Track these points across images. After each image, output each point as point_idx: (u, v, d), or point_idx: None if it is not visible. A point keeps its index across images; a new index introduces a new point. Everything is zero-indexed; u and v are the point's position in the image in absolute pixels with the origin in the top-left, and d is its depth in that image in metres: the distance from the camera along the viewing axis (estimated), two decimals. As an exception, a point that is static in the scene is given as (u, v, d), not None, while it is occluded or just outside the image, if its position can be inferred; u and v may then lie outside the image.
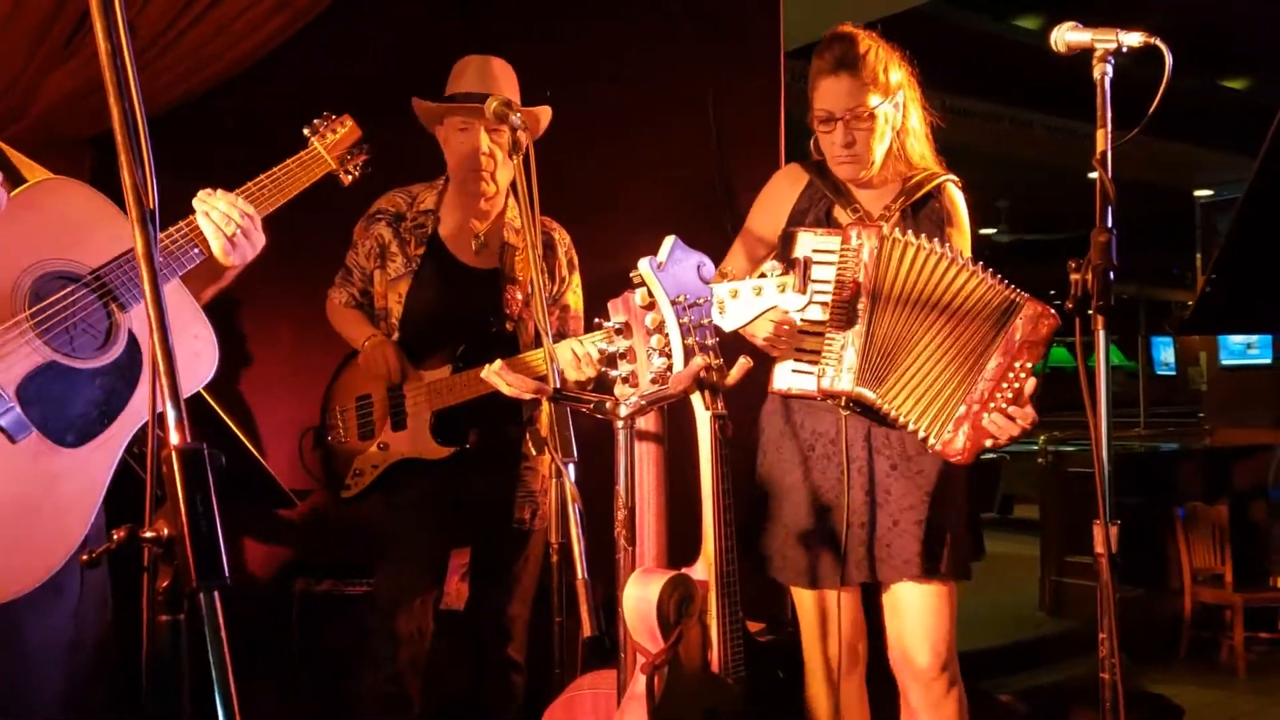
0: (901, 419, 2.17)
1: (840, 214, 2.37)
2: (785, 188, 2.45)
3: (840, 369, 2.17)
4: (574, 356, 2.45)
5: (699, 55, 3.62)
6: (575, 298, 2.75)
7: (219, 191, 1.86)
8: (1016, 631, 5.41)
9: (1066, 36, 1.82)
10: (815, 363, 2.21)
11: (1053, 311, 2.17)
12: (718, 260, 3.68)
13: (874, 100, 2.25)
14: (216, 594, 0.87)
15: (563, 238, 2.77)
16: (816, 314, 2.22)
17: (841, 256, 2.21)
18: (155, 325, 0.92)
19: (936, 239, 2.20)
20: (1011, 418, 2.12)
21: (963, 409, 2.14)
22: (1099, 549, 1.50)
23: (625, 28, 3.66)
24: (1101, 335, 1.55)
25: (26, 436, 1.58)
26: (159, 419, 0.94)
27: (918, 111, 2.38)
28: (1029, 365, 2.14)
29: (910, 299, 2.17)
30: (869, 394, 2.17)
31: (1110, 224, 1.59)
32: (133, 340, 1.70)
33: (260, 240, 1.89)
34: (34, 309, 1.61)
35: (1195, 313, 1.47)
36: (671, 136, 3.66)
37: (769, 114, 3.58)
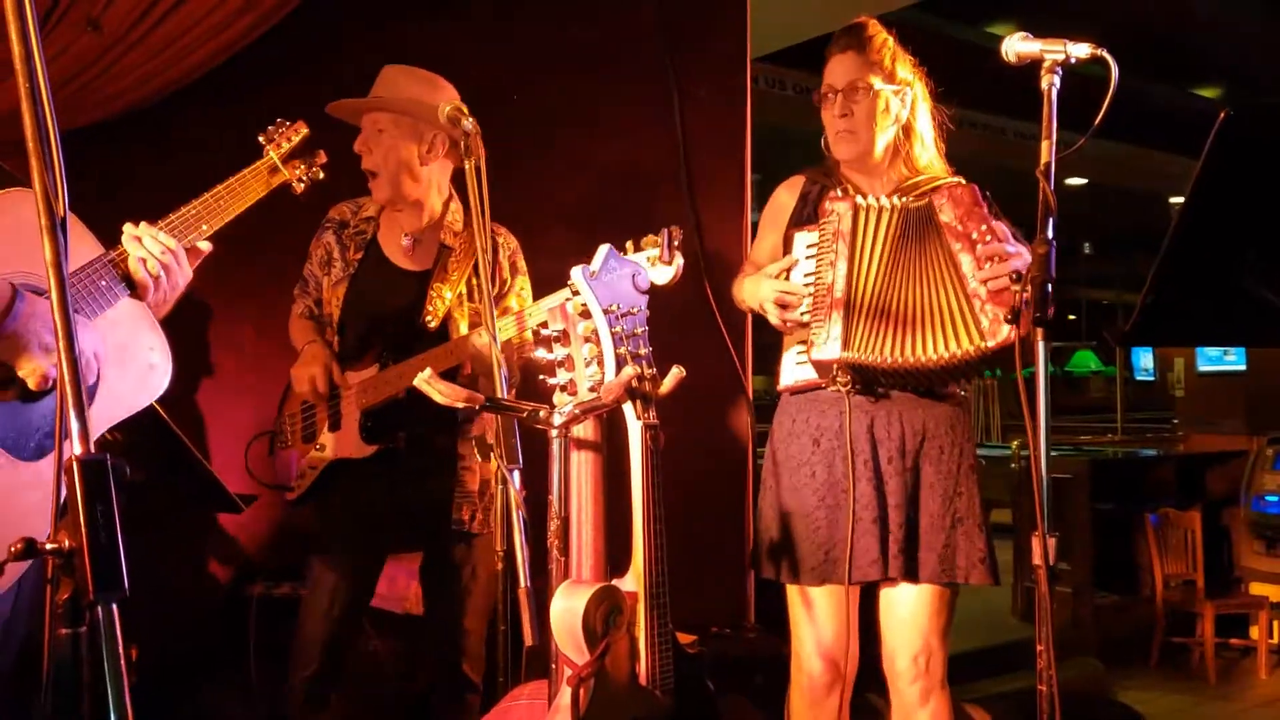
0: (913, 360, 2.15)
1: (832, 197, 2.36)
2: (784, 196, 2.49)
3: (827, 337, 2.17)
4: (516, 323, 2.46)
5: (665, 58, 3.62)
6: (519, 301, 2.75)
7: (142, 225, 1.82)
8: (988, 636, 5.40)
9: (1016, 47, 1.83)
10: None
11: (959, 180, 2.29)
12: (685, 262, 3.68)
13: (875, 81, 2.30)
14: (116, 606, 0.86)
15: (508, 241, 2.78)
16: (810, 302, 2.23)
17: (821, 233, 2.24)
18: (61, 333, 0.91)
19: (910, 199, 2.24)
20: (1001, 268, 2.11)
21: (977, 303, 2.13)
22: (1036, 560, 1.51)
23: (591, 30, 3.65)
24: (1041, 346, 1.55)
25: None
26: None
27: (928, 119, 2.41)
28: (982, 227, 2.15)
29: (886, 259, 2.20)
30: (858, 357, 2.16)
31: (1050, 236, 1.60)
32: (89, 355, 1.69)
33: (184, 276, 1.85)
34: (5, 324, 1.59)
35: (1135, 324, 1.47)
36: (637, 140, 3.65)
37: (735, 118, 3.58)
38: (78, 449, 0.89)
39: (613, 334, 1.60)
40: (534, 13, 3.64)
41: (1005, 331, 2.09)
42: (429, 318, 2.59)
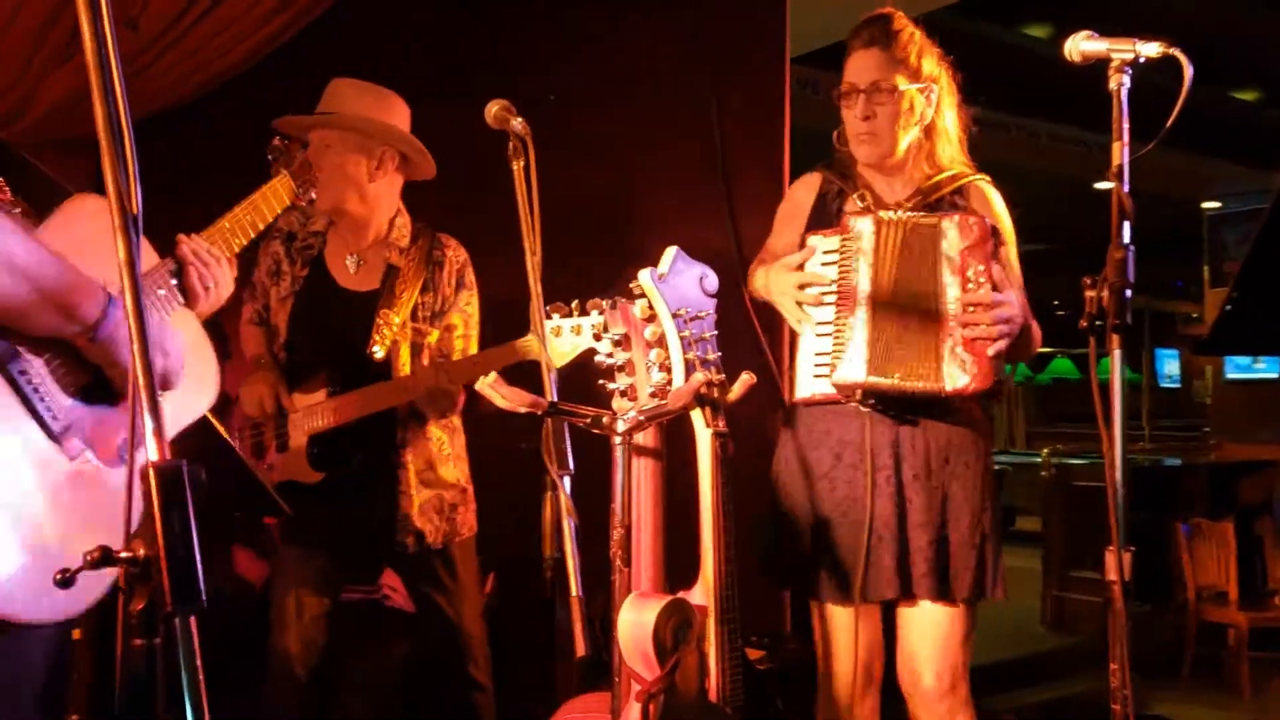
0: (912, 389, 2.13)
1: (851, 205, 2.32)
2: (802, 194, 2.41)
3: (852, 360, 2.13)
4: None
5: (702, 62, 3.59)
6: (460, 317, 2.73)
7: (194, 237, 1.86)
8: (1017, 647, 5.35)
9: (1082, 46, 1.77)
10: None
11: (983, 177, 2.26)
12: (720, 270, 3.65)
13: (900, 80, 2.21)
14: (193, 619, 0.83)
15: (455, 255, 2.75)
16: (829, 315, 2.19)
17: (843, 247, 2.18)
18: (135, 335, 0.89)
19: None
20: (982, 316, 2.09)
21: (949, 342, 2.10)
22: (1111, 576, 1.46)
23: (628, 33, 3.62)
24: (1118, 355, 1.50)
25: (81, 454, 1.60)
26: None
27: (953, 114, 2.32)
28: (980, 267, 2.10)
29: (897, 276, 2.15)
30: (882, 380, 2.12)
31: (1127, 240, 1.55)
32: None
33: (227, 289, 1.89)
34: None
35: (1214, 333, 1.42)
36: (674, 143, 3.62)
37: (773, 121, 3.54)
38: (153, 454, 0.86)
39: (681, 338, 1.56)
40: (570, 15, 3.61)
41: (963, 381, 2.08)
42: (376, 347, 2.58)
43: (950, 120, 2.32)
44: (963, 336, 2.10)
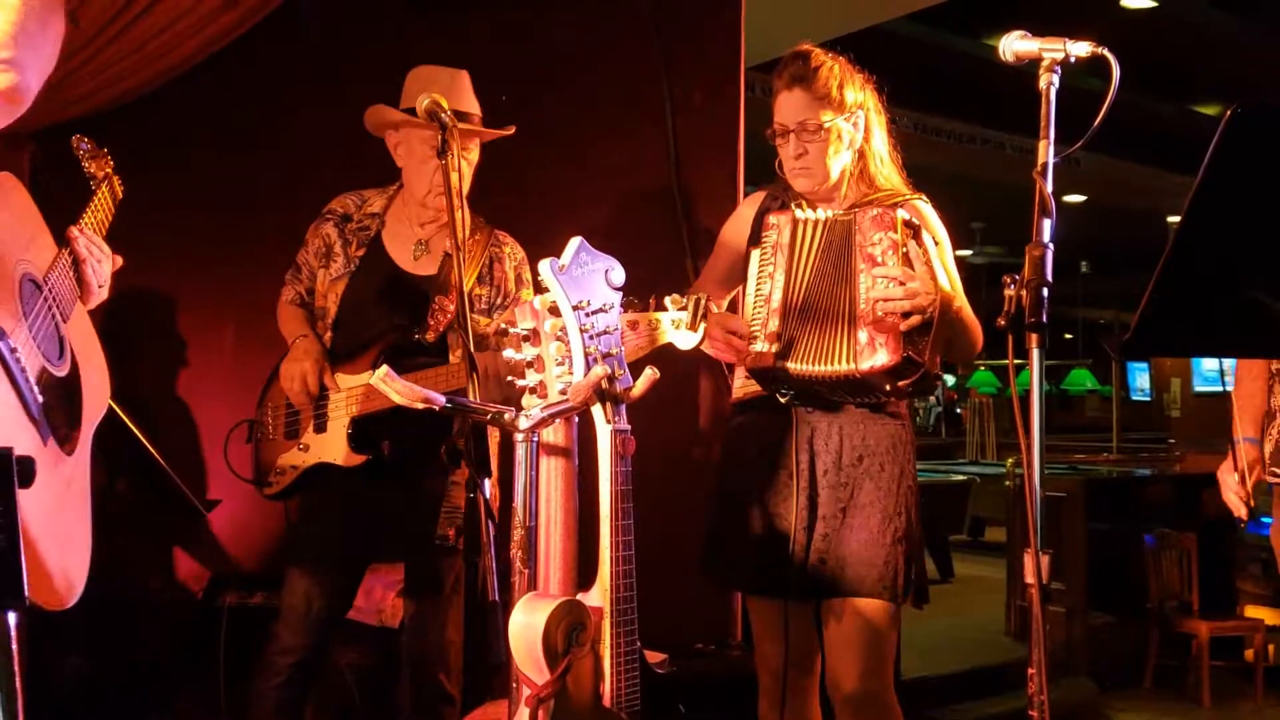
0: (823, 374, 2.15)
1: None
2: (745, 209, 2.49)
3: (764, 344, 2.18)
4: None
5: (658, 64, 3.58)
6: None
7: (84, 231, 1.82)
8: (981, 656, 5.34)
9: (1014, 46, 1.77)
10: None
11: (919, 196, 2.26)
12: (672, 269, 3.64)
13: (825, 116, 2.27)
14: (14, 617, 0.78)
15: (514, 252, 2.73)
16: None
17: (762, 248, 2.24)
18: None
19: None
20: (891, 290, 2.09)
21: (862, 324, 2.12)
22: (1029, 579, 1.43)
23: (584, 34, 3.61)
24: (1036, 354, 1.48)
25: (49, 439, 1.56)
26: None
27: (882, 135, 2.39)
28: (890, 253, 2.13)
29: (813, 270, 2.21)
30: (781, 364, 2.17)
31: (1048, 239, 1.53)
32: (72, 351, 1.70)
33: (108, 287, 1.85)
34: (28, 315, 1.58)
35: (1134, 335, 1.41)
36: (629, 146, 3.60)
37: (728, 126, 3.53)
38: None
39: (581, 332, 1.53)
40: (525, 15, 3.59)
41: (877, 359, 2.09)
42: (429, 331, 2.54)
43: (880, 141, 2.38)
44: (874, 317, 2.11)
